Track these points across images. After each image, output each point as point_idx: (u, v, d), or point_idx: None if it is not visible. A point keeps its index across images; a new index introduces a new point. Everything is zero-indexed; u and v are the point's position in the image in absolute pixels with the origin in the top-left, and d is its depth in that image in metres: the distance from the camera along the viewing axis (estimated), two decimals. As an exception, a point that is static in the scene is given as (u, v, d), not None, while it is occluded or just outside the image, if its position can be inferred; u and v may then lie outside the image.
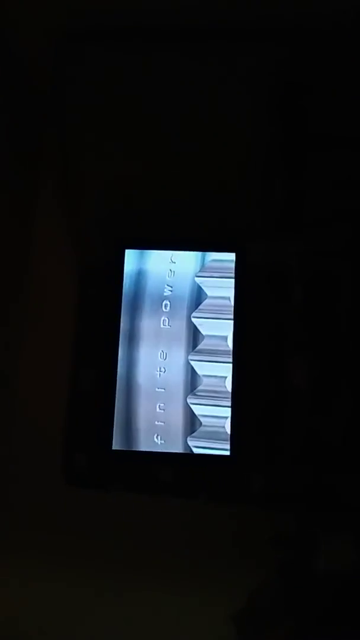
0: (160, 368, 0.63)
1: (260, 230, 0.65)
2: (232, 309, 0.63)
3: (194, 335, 0.63)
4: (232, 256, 0.64)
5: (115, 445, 0.61)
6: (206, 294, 0.64)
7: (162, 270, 0.65)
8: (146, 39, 0.69)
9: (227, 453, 0.60)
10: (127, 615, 0.57)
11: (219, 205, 0.66)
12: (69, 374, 0.65)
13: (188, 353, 0.63)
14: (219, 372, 0.62)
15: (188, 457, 0.61)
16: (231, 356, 0.62)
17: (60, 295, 0.67)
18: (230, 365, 0.62)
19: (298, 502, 0.59)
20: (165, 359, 0.63)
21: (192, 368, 0.62)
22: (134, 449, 0.61)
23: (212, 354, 0.62)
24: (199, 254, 0.65)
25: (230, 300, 0.64)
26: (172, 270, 0.65)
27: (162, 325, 0.64)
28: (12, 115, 0.67)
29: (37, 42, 0.69)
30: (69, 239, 0.68)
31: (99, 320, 0.65)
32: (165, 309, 0.64)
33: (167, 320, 0.64)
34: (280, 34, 0.67)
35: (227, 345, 0.63)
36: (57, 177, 0.70)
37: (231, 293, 0.64)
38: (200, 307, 0.64)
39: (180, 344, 0.63)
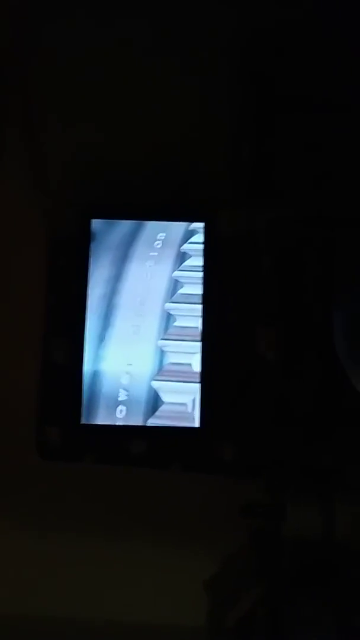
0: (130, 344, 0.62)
1: (230, 198, 0.64)
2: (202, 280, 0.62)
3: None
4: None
5: (85, 419, 0.61)
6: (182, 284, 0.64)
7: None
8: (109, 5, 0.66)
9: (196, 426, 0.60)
10: (100, 581, 0.58)
11: (188, 172, 0.65)
12: (40, 347, 0.64)
13: (160, 334, 0.62)
14: (188, 350, 0.62)
15: (159, 430, 0.61)
16: (200, 334, 0.62)
17: (27, 267, 0.66)
18: (199, 344, 0.62)
19: (268, 471, 0.60)
20: (137, 334, 0.62)
21: (162, 350, 0.62)
22: (103, 423, 0.61)
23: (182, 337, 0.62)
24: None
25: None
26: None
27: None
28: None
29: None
30: (35, 210, 0.66)
31: (68, 291, 0.64)
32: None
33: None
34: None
35: (197, 329, 0.62)
36: (23, 147, 0.67)
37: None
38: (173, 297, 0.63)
39: (153, 328, 0.62)
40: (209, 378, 0.61)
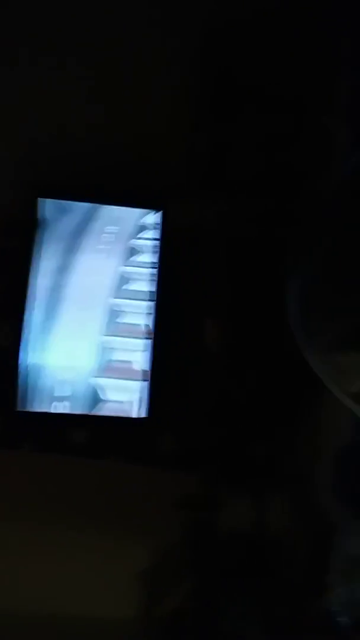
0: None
1: (185, 188, 0.62)
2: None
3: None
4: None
5: (21, 407, 0.60)
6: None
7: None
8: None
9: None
10: (30, 570, 0.58)
11: (144, 160, 0.62)
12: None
13: (103, 331, 0.61)
14: (132, 347, 0.61)
15: (99, 419, 0.60)
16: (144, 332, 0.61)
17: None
18: (143, 341, 0.61)
19: (205, 464, 0.61)
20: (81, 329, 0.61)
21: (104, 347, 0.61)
22: (40, 410, 0.60)
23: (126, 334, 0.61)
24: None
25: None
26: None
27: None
28: None
29: None
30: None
31: (12, 275, 0.62)
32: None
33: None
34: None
35: (141, 326, 0.61)
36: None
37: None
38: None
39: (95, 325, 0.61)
40: (155, 373, 0.60)
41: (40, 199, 0.62)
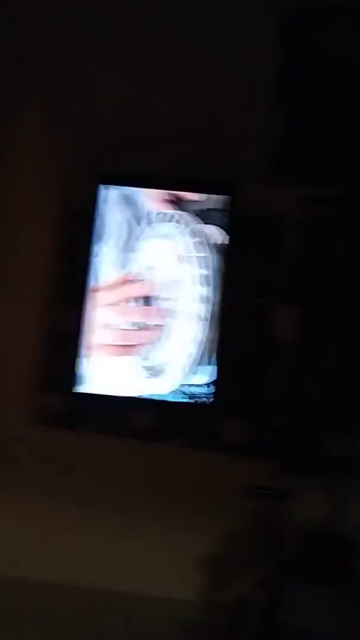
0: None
1: (259, 173, 0.62)
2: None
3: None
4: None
5: (88, 388, 0.60)
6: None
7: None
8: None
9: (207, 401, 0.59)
10: (96, 550, 0.57)
11: (216, 142, 0.62)
12: (46, 314, 0.64)
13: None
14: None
15: (165, 404, 0.59)
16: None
17: (37, 233, 0.64)
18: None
19: (278, 454, 0.58)
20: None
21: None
22: (106, 393, 0.60)
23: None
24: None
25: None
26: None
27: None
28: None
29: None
30: (51, 177, 0.65)
31: (76, 259, 0.63)
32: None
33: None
34: None
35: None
36: (41, 116, 0.66)
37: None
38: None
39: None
40: (223, 356, 0.59)
41: (103, 186, 0.63)
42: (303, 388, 0.59)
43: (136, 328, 0.60)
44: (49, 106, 0.66)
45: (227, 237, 0.61)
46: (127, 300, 0.61)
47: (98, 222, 0.62)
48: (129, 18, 0.64)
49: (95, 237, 0.62)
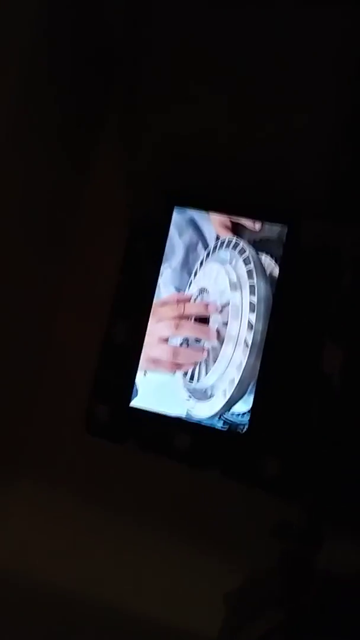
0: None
1: (319, 207, 0.61)
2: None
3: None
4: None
5: (136, 403, 0.61)
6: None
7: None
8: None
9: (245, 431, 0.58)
10: (120, 566, 0.57)
11: (279, 173, 0.63)
12: (105, 326, 0.65)
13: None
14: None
15: (205, 429, 0.59)
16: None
17: (104, 247, 0.67)
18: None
19: (311, 493, 0.57)
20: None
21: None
22: (154, 410, 0.60)
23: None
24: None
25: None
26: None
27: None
28: (78, 72, 0.65)
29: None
30: (123, 192, 0.67)
31: (141, 275, 0.64)
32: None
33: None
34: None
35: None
36: (118, 131, 0.68)
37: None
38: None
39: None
40: (263, 387, 0.58)
41: (176, 207, 0.64)
42: (344, 430, 0.57)
43: (186, 346, 0.61)
44: (127, 131, 0.68)
45: (282, 267, 0.61)
46: (182, 317, 0.61)
47: (164, 242, 0.63)
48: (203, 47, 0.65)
49: (160, 256, 0.63)
